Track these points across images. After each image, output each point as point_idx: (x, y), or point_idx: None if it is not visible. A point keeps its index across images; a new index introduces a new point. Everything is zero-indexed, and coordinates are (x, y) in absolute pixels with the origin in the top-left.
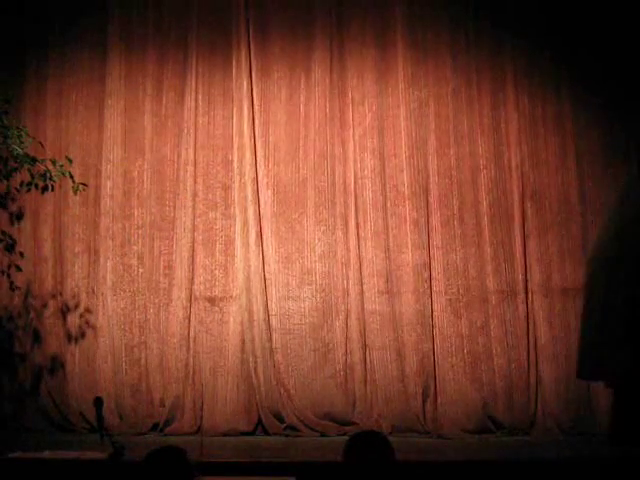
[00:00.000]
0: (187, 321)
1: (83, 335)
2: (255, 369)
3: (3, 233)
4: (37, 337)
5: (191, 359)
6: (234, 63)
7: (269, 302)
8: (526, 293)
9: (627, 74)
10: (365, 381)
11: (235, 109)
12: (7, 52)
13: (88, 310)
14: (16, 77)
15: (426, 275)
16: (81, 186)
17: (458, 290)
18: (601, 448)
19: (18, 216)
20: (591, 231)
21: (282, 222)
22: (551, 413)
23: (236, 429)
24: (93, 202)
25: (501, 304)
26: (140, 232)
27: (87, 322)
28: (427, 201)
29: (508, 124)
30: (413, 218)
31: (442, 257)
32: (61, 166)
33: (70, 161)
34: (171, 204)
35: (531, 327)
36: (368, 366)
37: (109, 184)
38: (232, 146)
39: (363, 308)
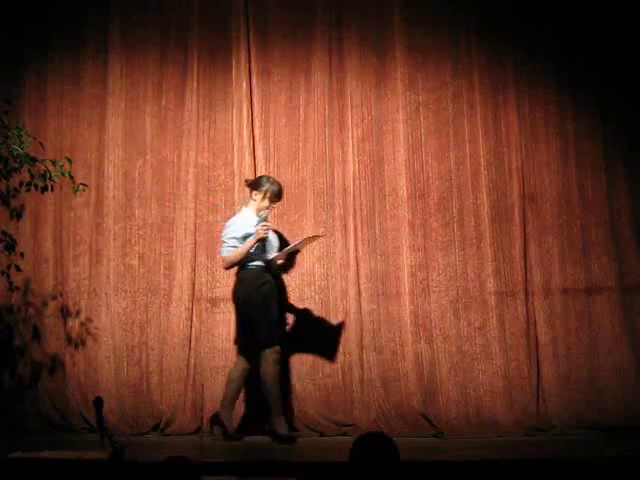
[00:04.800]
0: (189, 322)
1: (84, 335)
2: None
3: (3, 233)
4: (37, 337)
5: (192, 359)
6: (234, 65)
7: None
8: (526, 294)
9: (628, 77)
10: (363, 381)
11: (235, 111)
12: (7, 52)
13: (89, 311)
14: (16, 77)
15: (424, 276)
16: (81, 186)
17: (457, 291)
18: (603, 448)
19: (19, 216)
20: (591, 233)
21: (282, 224)
22: (552, 413)
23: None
24: (95, 203)
25: (501, 305)
26: (141, 233)
27: (88, 323)
28: (426, 203)
29: (508, 127)
30: (411, 220)
31: (442, 259)
32: (61, 166)
33: (70, 161)
34: (172, 205)
35: (531, 328)
36: (366, 366)
37: (111, 185)
38: (232, 148)
39: (361, 309)
